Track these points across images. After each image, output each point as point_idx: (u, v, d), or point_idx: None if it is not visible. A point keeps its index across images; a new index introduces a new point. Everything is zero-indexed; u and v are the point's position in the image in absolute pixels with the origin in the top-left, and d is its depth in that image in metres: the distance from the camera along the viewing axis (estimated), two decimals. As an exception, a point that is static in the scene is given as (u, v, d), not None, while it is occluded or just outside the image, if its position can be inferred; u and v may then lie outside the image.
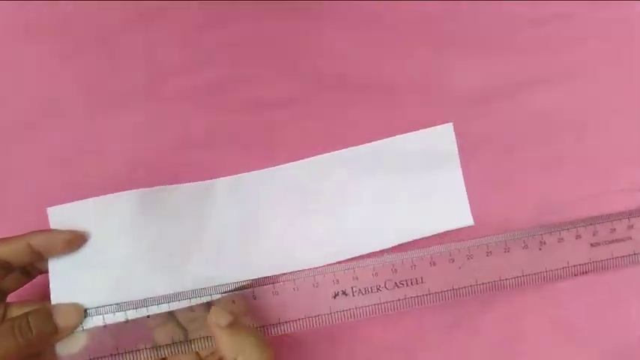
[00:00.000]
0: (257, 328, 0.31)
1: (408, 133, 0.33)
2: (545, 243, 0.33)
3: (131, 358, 0.30)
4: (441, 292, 0.33)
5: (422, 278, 0.33)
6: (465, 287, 0.33)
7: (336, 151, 0.33)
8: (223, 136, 0.32)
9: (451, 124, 0.32)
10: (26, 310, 0.29)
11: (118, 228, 0.31)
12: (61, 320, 0.29)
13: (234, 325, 0.28)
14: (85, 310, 0.30)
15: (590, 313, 0.34)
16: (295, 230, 0.33)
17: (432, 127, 0.33)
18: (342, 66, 0.33)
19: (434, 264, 0.33)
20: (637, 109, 0.34)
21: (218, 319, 0.28)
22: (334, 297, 0.32)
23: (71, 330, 0.30)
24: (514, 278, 0.33)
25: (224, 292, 0.31)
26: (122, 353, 0.30)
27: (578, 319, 0.34)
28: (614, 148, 0.34)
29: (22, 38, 0.33)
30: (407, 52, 0.33)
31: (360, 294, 0.32)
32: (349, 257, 0.33)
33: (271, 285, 0.32)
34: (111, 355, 0.30)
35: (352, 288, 0.32)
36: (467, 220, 0.34)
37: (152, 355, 0.30)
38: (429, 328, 0.34)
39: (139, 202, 0.32)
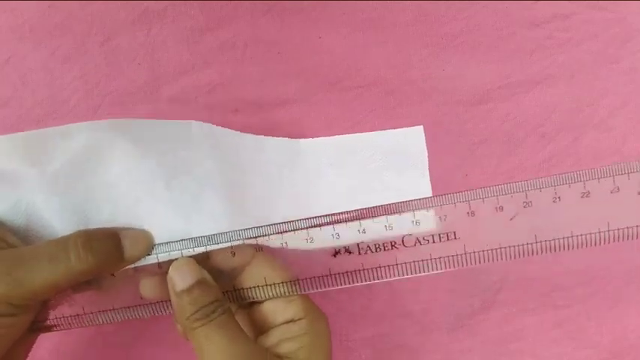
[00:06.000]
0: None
1: (379, 131, 0.32)
2: (647, 185, 0.23)
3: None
4: (482, 251, 0.24)
5: (455, 233, 0.24)
6: (517, 246, 0.24)
7: (309, 139, 0.32)
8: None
9: (421, 126, 0.32)
10: None
11: (62, 167, 0.25)
12: (129, 247, 0.24)
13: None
14: None
15: (590, 313, 0.32)
16: (271, 204, 0.30)
17: (403, 129, 0.32)
18: (342, 66, 0.33)
19: (472, 214, 0.24)
20: (635, 110, 0.33)
21: (175, 277, 0.24)
22: (334, 255, 0.25)
23: (136, 260, 0.24)
24: (593, 234, 0.23)
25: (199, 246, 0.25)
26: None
27: (579, 319, 0.33)
28: (612, 149, 0.33)
29: (23, 38, 0.33)
30: (406, 53, 0.33)
31: (369, 252, 0.24)
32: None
33: (254, 239, 0.25)
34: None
35: (358, 245, 0.24)
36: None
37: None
38: (430, 328, 0.33)
39: (94, 136, 0.26)
